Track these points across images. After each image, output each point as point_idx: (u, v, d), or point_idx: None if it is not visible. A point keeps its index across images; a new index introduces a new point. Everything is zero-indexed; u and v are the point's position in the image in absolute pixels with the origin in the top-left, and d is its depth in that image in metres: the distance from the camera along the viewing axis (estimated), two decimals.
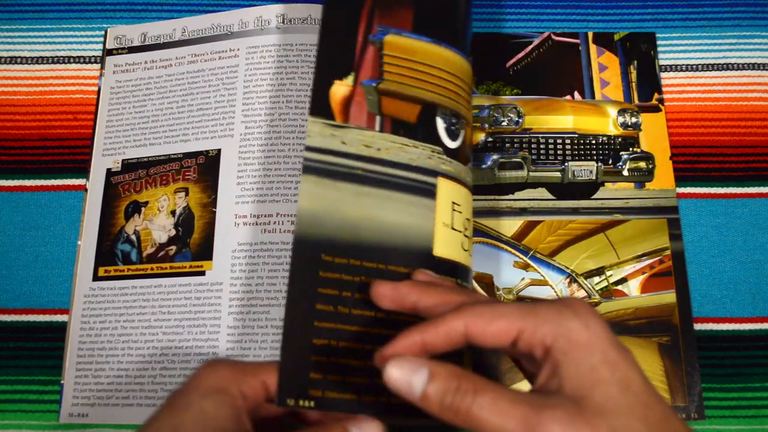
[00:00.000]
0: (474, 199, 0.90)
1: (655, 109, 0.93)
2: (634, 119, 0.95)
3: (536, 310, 0.52)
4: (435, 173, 0.70)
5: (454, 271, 0.68)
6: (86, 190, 0.90)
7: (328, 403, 0.59)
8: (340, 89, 0.71)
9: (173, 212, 0.89)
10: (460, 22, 0.79)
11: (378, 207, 0.67)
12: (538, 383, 0.52)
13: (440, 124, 0.75)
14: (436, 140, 0.73)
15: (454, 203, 0.71)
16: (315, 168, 0.66)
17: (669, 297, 0.84)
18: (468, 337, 0.53)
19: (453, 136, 0.75)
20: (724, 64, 0.95)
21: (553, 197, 0.92)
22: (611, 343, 0.51)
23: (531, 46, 0.96)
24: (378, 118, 0.72)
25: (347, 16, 0.75)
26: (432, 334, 0.53)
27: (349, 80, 0.72)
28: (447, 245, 0.68)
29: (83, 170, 0.90)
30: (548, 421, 0.46)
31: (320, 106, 0.69)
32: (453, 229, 0.70)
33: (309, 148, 0.66)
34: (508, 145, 0.94)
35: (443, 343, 0.53)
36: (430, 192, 0.69)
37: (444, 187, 0.71)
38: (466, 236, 0.71)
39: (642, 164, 0.93)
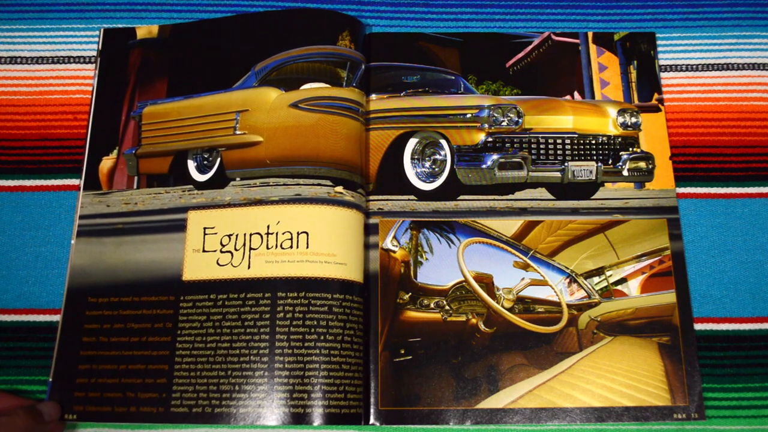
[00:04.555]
0: (474, 199, 0.90)
1: (655, 109, 0.93)
2: (634, 119, 0.95)
3: None
4: (185, 209, 0.86)
5: (206, 289, 0.82)
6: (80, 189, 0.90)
7: (88, 416, 0.79)
8: (106, 163, 0.90)
9: None
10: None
11: (135, 251, 0.85)
12: None
13: (191, 165, 0.94)
14: (188, 180, 0.93)
15: (206, 228, 0.85)
16: (85, 231, 0.86)
17: (669, 297, 0.84)
18: None
19: (205, 169, 0.94)
20: (724, 64, 0.95)
21: (553, 197, 0.92)
22: None
23: (531, 46, 0.96)
24: (136, 178, 0.92)
25: (113, 102, 0.93)
26: None
27: (114, 154, 0.91)
28: (197, 268, 0.83)
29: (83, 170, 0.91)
30: None
31: (90, 182, 0.89)
32: (204, 251, 0.83)
33: (81, 217, 0.87)
34: (508, 145, 0.94)
35: None
36: (180, 226, 0.85)
37: (194, 217, 0.86)
38: (224, 252, 0.83)
39: (642, 164, 0.93)
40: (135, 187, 0.91)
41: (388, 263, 0.86)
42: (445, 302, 0.84)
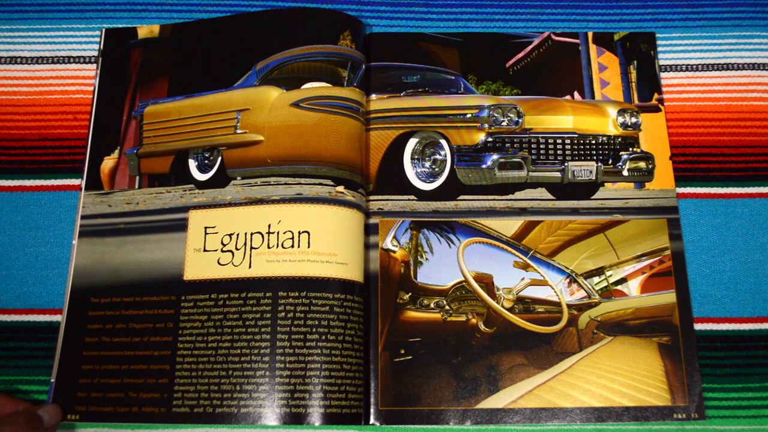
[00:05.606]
0: (474, 199, 0.90)
1: (655, 109, 0.93)
2: (634, 119, 0.95)
3: None
4: (186, 208, 0.86)
5: (207, 289, 0.80)
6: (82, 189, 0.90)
7: (90, 416, 0.79)
8: (108, 163, 0.90)
9: None
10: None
11: (137, 251, 0.85)
12: None
13: (192, 164, 0.94)
14: (189, 179, 0.92)
15: (207, 228, 0.85)
16: (87, 231, 0.87)
17: (669, 297, 0.84)
18: None
19: (206, 168, 0.94)
20: (724, 64, 0.95)
21: (553, 197, 0.92)
22: None
23: (531, 46, 0.96)
24: (138, 178, 0.92)
25: (114, 102, 0.93)
26: None
27: (115, 153, 0.91)
28: (198, 268, 0.83)
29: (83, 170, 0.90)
30: None
31: (91, 182, 0.89)
32: (205, 251, 0.83)
33: (83, 217, 0.87)
34: (508, 145, 0.94)
35: None
36: (182, 226, 0.85)
37: (195, 217, 0.86)
38: (225, 251, 0.83)
39: (642, 164, 0.93)
40: (136, 186, 0.91)
41: (388, 263, 0.86)
42: (445, 302, 0.84)
